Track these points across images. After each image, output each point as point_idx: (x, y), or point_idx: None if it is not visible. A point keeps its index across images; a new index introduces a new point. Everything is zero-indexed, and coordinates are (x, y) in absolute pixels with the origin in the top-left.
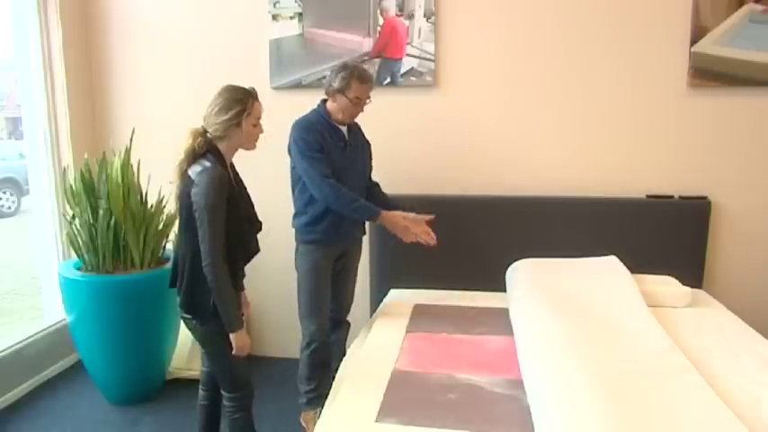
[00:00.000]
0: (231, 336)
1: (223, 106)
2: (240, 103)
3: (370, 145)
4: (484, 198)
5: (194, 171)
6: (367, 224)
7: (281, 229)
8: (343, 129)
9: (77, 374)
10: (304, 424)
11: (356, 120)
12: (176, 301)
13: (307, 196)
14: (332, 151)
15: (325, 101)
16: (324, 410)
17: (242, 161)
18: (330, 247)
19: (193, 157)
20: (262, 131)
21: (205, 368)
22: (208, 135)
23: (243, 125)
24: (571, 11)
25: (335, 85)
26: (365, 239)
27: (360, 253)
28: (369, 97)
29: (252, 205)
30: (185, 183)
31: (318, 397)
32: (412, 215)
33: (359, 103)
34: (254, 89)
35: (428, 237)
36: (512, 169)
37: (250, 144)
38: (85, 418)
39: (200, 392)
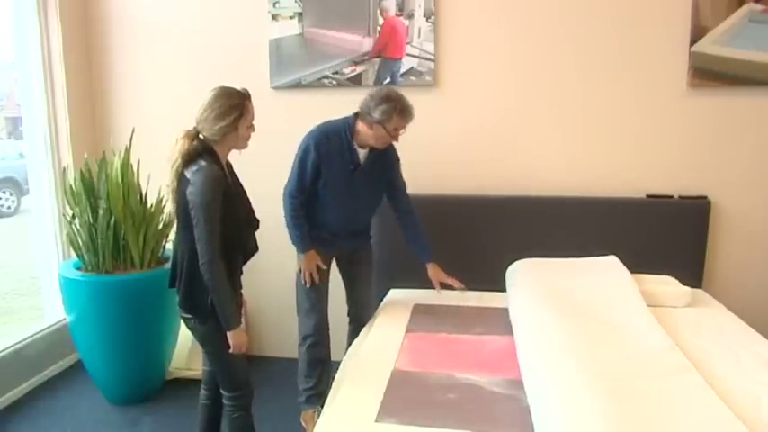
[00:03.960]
0: (228, 334)
1: (220, 112)
2: (237, 109)
3: (396, 163)
4: (484, 198)
5: (190, 171)
6: (372, 230)
7: (278, 229)
8: (362, 151)
9: (77, 374)
10: (304, 424)
11: None
12: (176, 300)
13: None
14: (335, 169)
15: (356, 115)
16: (324, 410)
17: (240, 160)
18: (320, 249)
19: (189, 158)
20: (254, 130)
21: (207, 367)
22: (202, 137)
23: (239, 129)
24: (571, 11)
25: (375, 115)
26: None
27: (368, 256)
28: (404, 127)
29: (249, 204)
30: (182, 182)
31: (317, 395)
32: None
33: (396, 135)
34: (247, 91)
35: (307, 275)
36: (512, 169)
37: (243, 144)
38: (85, 418)
39: (202, 392)
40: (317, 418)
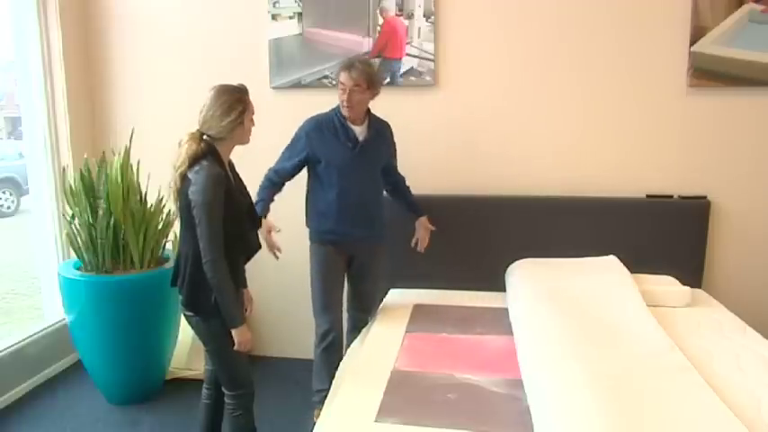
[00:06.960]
0: (233, 332)
1: (226, 109)
2: (240, 103)
3: (391, 136)
4: (484, 198)
5: (192, 170)
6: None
7: (281, 228)
8: (357, 128)
9: (77, 374)
10: (317, 421)
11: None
12: (176, 300)
13: (309, 193)
14: (335, 151)
15: None
16: (324, 409)
17: (242, 159)
18: (335, 246)
19: (195, 159)
20: (254, 125)
21: (209, 366)
22: (206, 138)
23: (245, 123)
24: (571, 11)
25: None
26: None
27: (379, 259)
28: (356, 86)
29: (251, 202)
30: (184, 182)
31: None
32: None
33: (343, 90)
34: (244, 86)
35: (272, 249)
36: (512, 169)
37: (247, 139)
38: (85, 418)
39: (204, 391)
40: None
